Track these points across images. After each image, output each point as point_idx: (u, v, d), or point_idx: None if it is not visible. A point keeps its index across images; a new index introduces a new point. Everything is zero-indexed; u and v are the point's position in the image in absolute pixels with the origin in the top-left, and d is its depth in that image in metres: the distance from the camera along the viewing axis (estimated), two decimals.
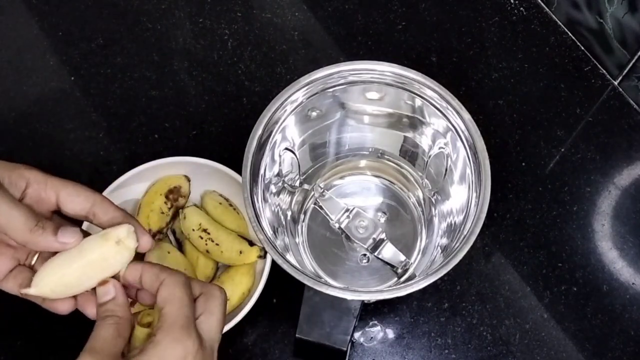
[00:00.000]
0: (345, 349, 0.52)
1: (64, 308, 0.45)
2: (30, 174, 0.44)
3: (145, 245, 0.45)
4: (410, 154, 0.62)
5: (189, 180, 0.63)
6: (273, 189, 0.58)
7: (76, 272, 0.43)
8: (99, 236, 0.43)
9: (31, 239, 0.42)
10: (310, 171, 0.63)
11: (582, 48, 0.73)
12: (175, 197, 0.62)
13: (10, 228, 0.41)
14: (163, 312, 0.41)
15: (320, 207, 0.61)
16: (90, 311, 0.45)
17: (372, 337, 0.61)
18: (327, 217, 0.60)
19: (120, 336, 0.41)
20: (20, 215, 0.41)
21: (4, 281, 0.45)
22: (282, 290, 0.61)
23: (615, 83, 0.71)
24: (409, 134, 0.61)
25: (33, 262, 0.46)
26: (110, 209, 0.45)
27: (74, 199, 0.44)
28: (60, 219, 0.46)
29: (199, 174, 0.63)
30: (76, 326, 0.61)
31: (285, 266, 0.49)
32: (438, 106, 0.55)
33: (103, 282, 0.43)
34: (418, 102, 0.57)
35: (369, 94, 0.58)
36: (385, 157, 0.64)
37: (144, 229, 0.45)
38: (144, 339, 0.42)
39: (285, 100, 0.55)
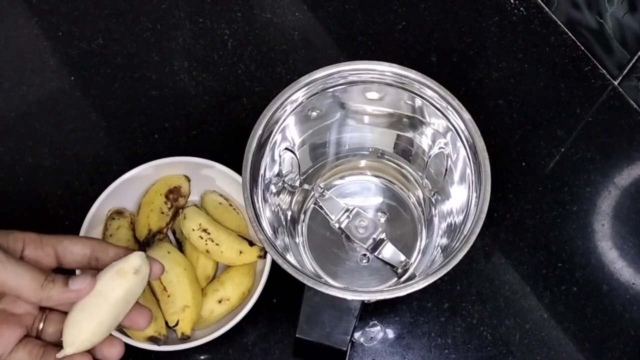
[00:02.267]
0: (345, 349, 0.52)
1: (117, 351, 0.46)
2: (25, 235, 0.44)
3: (159, 272, 0.47)
4: (410, 154, 0.62)
5: (189, 180, 0.63)
6: (273, 189, 0.58)
7: (108, 314, 0.43)
8: (114, 273, 0.44)
9: (44, 295, 0.42)
10: (310, 171, 0.63)
11: (582, 48, 0.73)
12: (175, 197, 0.62)
13: (20, 288, 0.42)
14: None
15: (320, 207, 0.61)
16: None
17: (372, 337, 0.61)
18: (327, 217, 0.60)
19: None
20: (28, 273, 0.42)
21: (14, 352, 0.44)
22: (282, 290, 0.61)
23: (615, 83, 0.71)
24: (409, 134, 0.61)
25: (41, 327, 0.46)
26: (110, 249, 0.46)
27: (72, 249, 0.45)
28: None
29: (199, 174, 0.63)
30: None
31: (285, 266, 0.49)
32: (438, 106, 0.55)
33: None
34: (418, 102, 0.57)
35: (369, 94, 0.58)
36: (385, 157, 0.64)
37: (152, 258, 0.46)
38: None
39: (285, 100, 0.55)
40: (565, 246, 0.64)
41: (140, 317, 0.46)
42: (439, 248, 0.58)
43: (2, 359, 0.44)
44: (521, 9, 0.76)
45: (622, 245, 0.65)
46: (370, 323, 0.62)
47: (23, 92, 0.71)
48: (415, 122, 0.59)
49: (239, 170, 0.54)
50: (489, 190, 0.51)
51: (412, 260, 0.61)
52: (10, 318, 0.44)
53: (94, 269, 0.46)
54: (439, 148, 0.58)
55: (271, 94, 0.55)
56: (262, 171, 0.55)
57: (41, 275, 0.42)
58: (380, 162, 0.64)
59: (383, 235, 0.59)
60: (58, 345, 0.45)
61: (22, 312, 0.45)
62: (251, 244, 0.59)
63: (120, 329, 0.56)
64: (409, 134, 0.61)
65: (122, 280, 0.43)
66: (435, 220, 0.61)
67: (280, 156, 0.58)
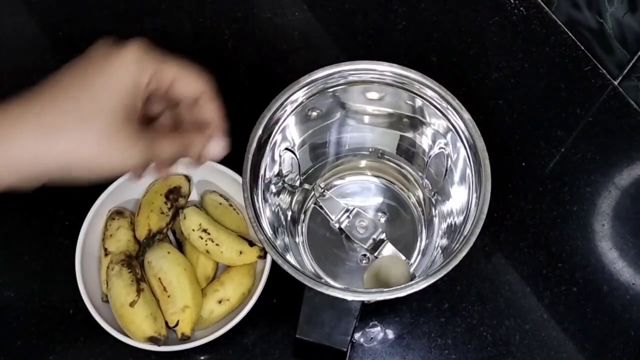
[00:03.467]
0: (345, 349, 0.52)
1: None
2: (152, 67, 0.43)
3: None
4: (410, 154, 0.62)
5: (189, 180, 0.63)
6: (273, 189, 0.58)
7: None
8: None
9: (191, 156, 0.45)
10: (310, 171, 0.63)
11: (582, 48, 0.73)
12: (175, 197, 0.62)
13: (172, 157, 0.44)
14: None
15: (321, 207, 0.61)
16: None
17: (372, 338, 0.61)
18: (328, 217, 0.60)
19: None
20: (173, 147, 0.43)
21: None
22: (282, 290, 0.61)
23: (615, 83, 0.71)
24: (409, 134, 0.61)
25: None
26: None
27: (185, 89, 0.45)
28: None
29: (199, 174, 0.63)
30: (76, 326, 0.61)
31: (285, 266, 0.49)
32: (438, 106, 0.55)
33: None
34: (418, 102, 0.57)
35: (369, 94, 0.58)
36: (386, 157, 0.64)
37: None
38: None
39: (285, 100, 0.55)
40: (565, 246, 0.64)
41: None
42: (439, 248, 0.58)
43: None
44: (521, 9, 0.76)
45: (622, 245, 0.65)
46: (370, 324, 0.62)
47: (23, 93, 0.71)
48: (415, 122, 0.59)
49: (239, 170, 0.54)
50: (489, 190, 0.51)
51: (412, 260, 0.61)
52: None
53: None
54: (439, 148, 0.58)
55: (271, 94, 0.55)
56: (262, 171, 0.55)
57: (183, 144, 0.44)
58: (381, 162, 0.64)
59: (383, 236, 0.59)
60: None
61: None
62: (251, 244, 0.59)
63: (120, 329, 0.56)
64: (409, 134, 0.61)
65: None
66: (436, 220, 0.61)
67: (280, 156, 0.58)
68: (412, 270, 0.60)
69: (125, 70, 0.41)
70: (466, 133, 0.54)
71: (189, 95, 0.45)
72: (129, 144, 0.40)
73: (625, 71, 0.69)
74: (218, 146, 0.46)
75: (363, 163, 0.65)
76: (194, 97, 0.45)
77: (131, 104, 0.41)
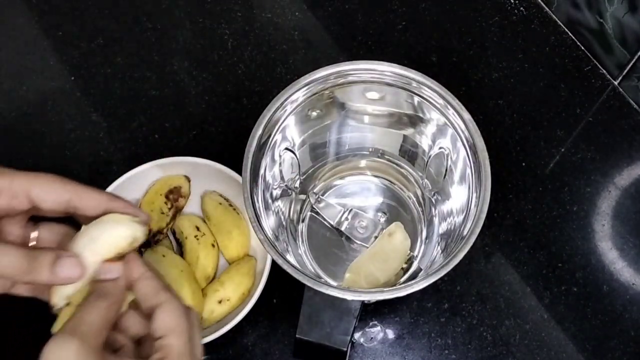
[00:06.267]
0: (345, 349, 0.52)
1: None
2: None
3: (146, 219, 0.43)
4: (410, 154, 0.62)
5: (189, 180, 0.63)
6: (273, 189, 0.58)
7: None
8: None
9: (33, 280, 0.38)
10: (310, 171, 0.63)
11: (582, 48, 0.73)
12: (175, 197, 0.62)
13: (8, 275, 0.38)
14: (165, 344, 0.38)
15: (317, 214, 0.61)
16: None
17: (372, 338, 0.61)
18: (327, 223, 0.61)
19: (108, 323, 0.38)
20: (11, 260, 0.38)
21: (17, 286, 0.42)
22: (282, 290, 0.61)
23: (615, 83, 0.71)
24: (409, 134, 0.61)
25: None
26: (92, 197, 0.41)
27: (45, 196, 0.40)
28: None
29: (199, 174, 0.63)
30: None
31: (285, 266, 0.49)
32: (438, 106, 0.55)
33: (110, 260, 0.40)
34: (418, 101, 0.57)
35: (369, 93, 0.58)
36: (386, 157, 0.64)
37: (136, 209, 0.43)
38: None
39: (285, 100, 0.55)
40: (566, 246, 0.64)
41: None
42: (439, 248, 0.58)
43: (5, 291, 0.41)
44: (521, 9, 0.76)
45: (622, 245, 0.65)
46: (370, 323, 0.62)
47: (23, 92, 0.71)
48: (415, 122, 0.59)
49: (239, 170, 0.54)
50: (489, 190, 0.51)
51: (416, 252, 0.61)
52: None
53: (71, 215, 0.41)
54: (439, 148, 0.58)
55: (271, 94, 0.55)
56: (262, 171, 0.55)
57: (25, 260, 0.38)
58: (380, 162, 0.64)
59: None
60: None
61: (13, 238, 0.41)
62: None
63: None
64: (409, 134, 0.61)
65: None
66: (435, 220, 0.61)
67: (280, 156, 0.58)
68: (416, 263, 0.60)
69: None
70: (466, 133, 0.54)
71: (56, 208, 0.41)
72: None
73: (625, 71, 0.69)
74: (68, 266, 0.39)
75: (363, 163, 0.65)
76: (63, 208, 0.41)
77: None
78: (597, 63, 0.72)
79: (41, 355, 0.35)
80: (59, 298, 0.40)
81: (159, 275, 0.41)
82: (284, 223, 0.60)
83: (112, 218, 0.41)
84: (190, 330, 0.39)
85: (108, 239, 0.40)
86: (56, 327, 0.42)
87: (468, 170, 0.54)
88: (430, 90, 0.55)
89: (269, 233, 0.52)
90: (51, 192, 0.40)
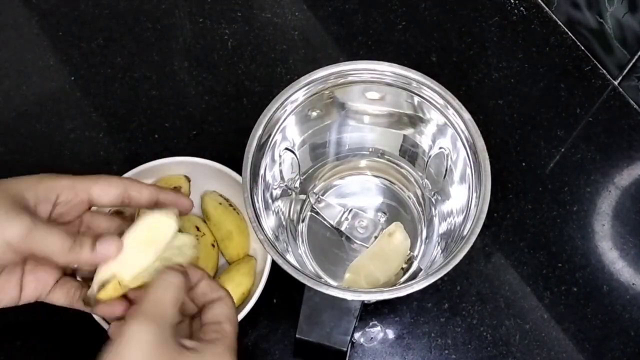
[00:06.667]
0: (345, 349, 0.52)
1: (121, 309, 0.45)
2: (58, 183, 0.44)
3: (189, 208, 0.49)
4: (410, 154, 0.62)
5: (189, 180, 0.63)
6: (273, 189, 0.58)
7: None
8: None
9: (71, 259, 0.42)
10: (310, 171, 0.63)
11: (582, 48, 0.73)
12: None
13: (48, 253, 0.41)
14: (222, 328, 0.42)
15: (317, 214, 0.61)
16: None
17: (372, 338, 0.61)
18: (327, 223, 0.61)
19: (177, 302, 0.41)
20: (56, 238, 0.41)
21: (51, 293, 0.45)
22: (282, 290, 0.61)
23: (615, 83, 0.71)
24: (409, 134, 0.61)
25: (76, 266, 0.46)
26: (143, 189, 0.46)
27: (106, 193, 0.45)
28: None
29: (199, 174, 0.63)
30: (75, 326, 0.61)
31: (285, 266, 0.49)
32: (438, 106, 0.55)
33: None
34: (418, 101, 0.57)
35: (369, 94, 0.58)
36: (386, 157, 0.64)
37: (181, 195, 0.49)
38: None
39: (285, 100, 0.55)
40: (565, 246, 0.64)
41: None
42: (439, 248, 0.58)
43: (40, 299, 0.45)
44: (521, 9, 0.76)
45: (622, 245, 0.65)
46: (370, 323, 0.62)
47: (23, 92, 0.71)
48: (415, 122, 0.59)
49: (239, 170, 0.54)
50: (489, 190, 0.51)
51: (416, 252, 0.61)
52: (45, 260, 0.43)
53: (126, 206, 0.47)
54: (439, 148, 0.58)
55: (271, 94, 0.55)
56: (262, 171, 0.55)
57: (69, 240, 0.42)
58: (380, 162, 0.64)
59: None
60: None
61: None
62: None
63: None
64: (409, 134, 0.61)
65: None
66: (436, 220, 0.61)
67: (280, 156, 0.58)
68: (416, 263, 0.60)
69: None
70: (466, 133, 0.54)
71: (113, 202, 0.46)
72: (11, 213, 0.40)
73: (625, 71, 0.69)
74: (107, 244, 0.43)
75: (363, 163, 0.65)
76: (119, 201, 0.46)
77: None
78: (597, 63, 0.72)
79: (118, 336, 0.38)
80: (97, 284, 0.43)
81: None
82: (284, 223, 0.60)
83: (151, 213, 0.45)
84: (237, 321, 0.44)
85: (144, 227, 0.44)
86: (100, 295, 0.44)
87: (468, 170, 0.54)
88: (430, 90, 0.55)
89: (269, 233, 0.52)
90: (110, 190, 0.45)
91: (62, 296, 0.45)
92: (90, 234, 0.44)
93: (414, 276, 0.59)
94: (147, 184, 0.47)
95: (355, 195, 0.64)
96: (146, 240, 0.44)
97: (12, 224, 0.40)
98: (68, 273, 0.46)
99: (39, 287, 0.45)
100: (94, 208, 0.47)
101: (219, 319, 0.43)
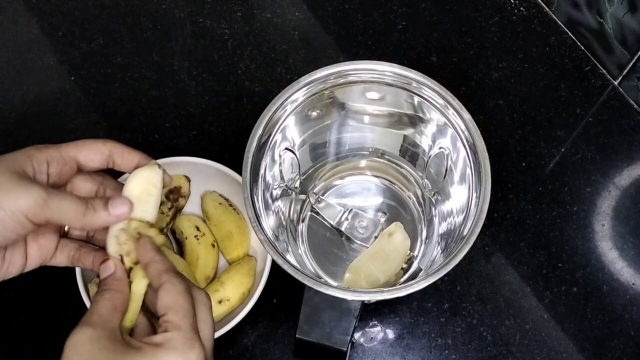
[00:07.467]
0: (345, 349, 0.52)
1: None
2: (48, 154, 0.45)
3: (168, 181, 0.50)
4: (410, 154, 0.62)
5: (189, 180, 0.63)
6: (273, 189, 0.58)
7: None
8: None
9: (87, 222, 0.43)
10: (310, 171, 0.63)
11: (582, 48, 0.73)
12: (175, 197, 0.62)
13: (66, 220, 0.43)
14: (166, 319, 0.40)
15: (318, 214, 0.61)
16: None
17: (372, 338, 0.61)
18: (327, 223, 0.61)
19: (115, 310, 0.42)
20: (71, 205, 0.42)
21: (53, 258, 0.47)
22: (283, 290, 0.61)
23: (615, 83, 0.71)
24: (409, 134, 0.61)
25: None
26: (125, 153, 0.47)
27: (91, 159, 0.46)
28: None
29: (199, 174, 0.63)
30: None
31: (285, 266, 0.49)
32: (438, 106, 0.55)
33: (104, 260, 0.44)
34: (418, 101, 0.57)
35: (369, 93, 0.58)
36: (386, 157, 0.64)
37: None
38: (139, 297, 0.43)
39: (285, 100, 0.55)
40: (565, 246, 0.64)
41: None
42: (439, 248, 0.58)
43: (44, 264, 0.46)
44: (521, 9, 0.76)
45: (622, 245, 0.65)
46: (370, 323, 0.62)
47: (23, 92, 0.71)
48: (415, 122, 0.59)
49: (239, 170, 0.54)
50: (489, 190, 0.51)
51: (416, 252, 0.61)
52: (43, 228, 0.45)
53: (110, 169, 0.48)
54: (439, 148, 0.58)
55: (271, 94, 0.55)
56: (262, 171, 0.55)
57: (82, 205, 0.43)
58: (380, 162, 0.64)
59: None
60: (89, 242, 0.48)
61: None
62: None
63: None
64: (409, 134, 0.61)
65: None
66: (436, 220, 0.61)
67: (280, 156, 0.58)
68: (416, 263, 0.60)
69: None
70: (466, 133, 0.54)
71: (98, 166, 0.47)
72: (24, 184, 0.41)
73: (625, 71, 0.69)
74: (119, 204, 0.45)
75: (363, 163, 0.65)
76: (104, 164, 0.47)
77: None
78: (597, 63, 0.72)
79: (65, 345, 0.39)
80: (114, 246, 0.45)
81: (167, 258, 0.45)
82: (284, 223, 0.60)
83: (140, 169, 0.48)
84: (188, 307, 0.41)
85: (140, 180, 0.47)
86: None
87: (468, 170, 0.54)
88: (430, 90, 0.55)
89: (269, 233, 0.52)
90: (96, 156, 0.46)
91: (64, 258, 0.47)
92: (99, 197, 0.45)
93: (414, 276, 0.59)
94: (130, 149, 0.48)
95: (355, 195, 0.64)
96: (145, 191, 0.47)
97: (27, 195, 0.41)
98: (62, 235, 0.48)
99: (42, 254, 0.46)
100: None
101: (163, 310, 0.41)
